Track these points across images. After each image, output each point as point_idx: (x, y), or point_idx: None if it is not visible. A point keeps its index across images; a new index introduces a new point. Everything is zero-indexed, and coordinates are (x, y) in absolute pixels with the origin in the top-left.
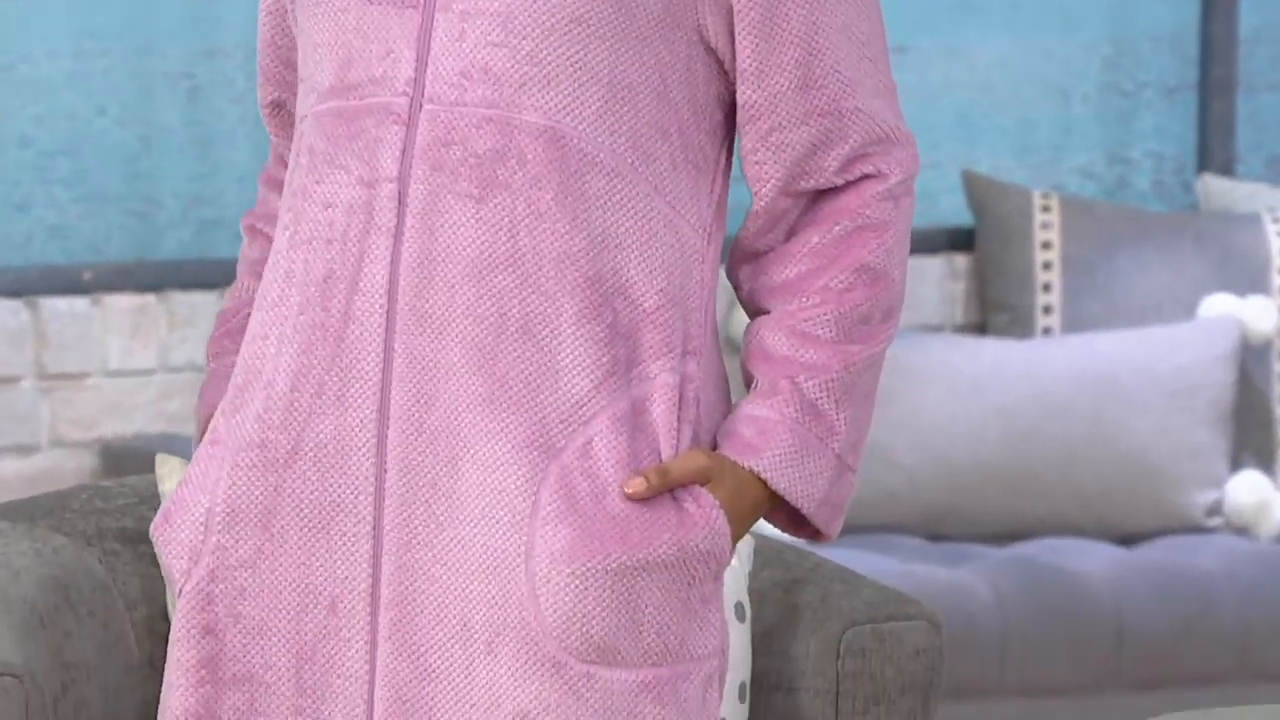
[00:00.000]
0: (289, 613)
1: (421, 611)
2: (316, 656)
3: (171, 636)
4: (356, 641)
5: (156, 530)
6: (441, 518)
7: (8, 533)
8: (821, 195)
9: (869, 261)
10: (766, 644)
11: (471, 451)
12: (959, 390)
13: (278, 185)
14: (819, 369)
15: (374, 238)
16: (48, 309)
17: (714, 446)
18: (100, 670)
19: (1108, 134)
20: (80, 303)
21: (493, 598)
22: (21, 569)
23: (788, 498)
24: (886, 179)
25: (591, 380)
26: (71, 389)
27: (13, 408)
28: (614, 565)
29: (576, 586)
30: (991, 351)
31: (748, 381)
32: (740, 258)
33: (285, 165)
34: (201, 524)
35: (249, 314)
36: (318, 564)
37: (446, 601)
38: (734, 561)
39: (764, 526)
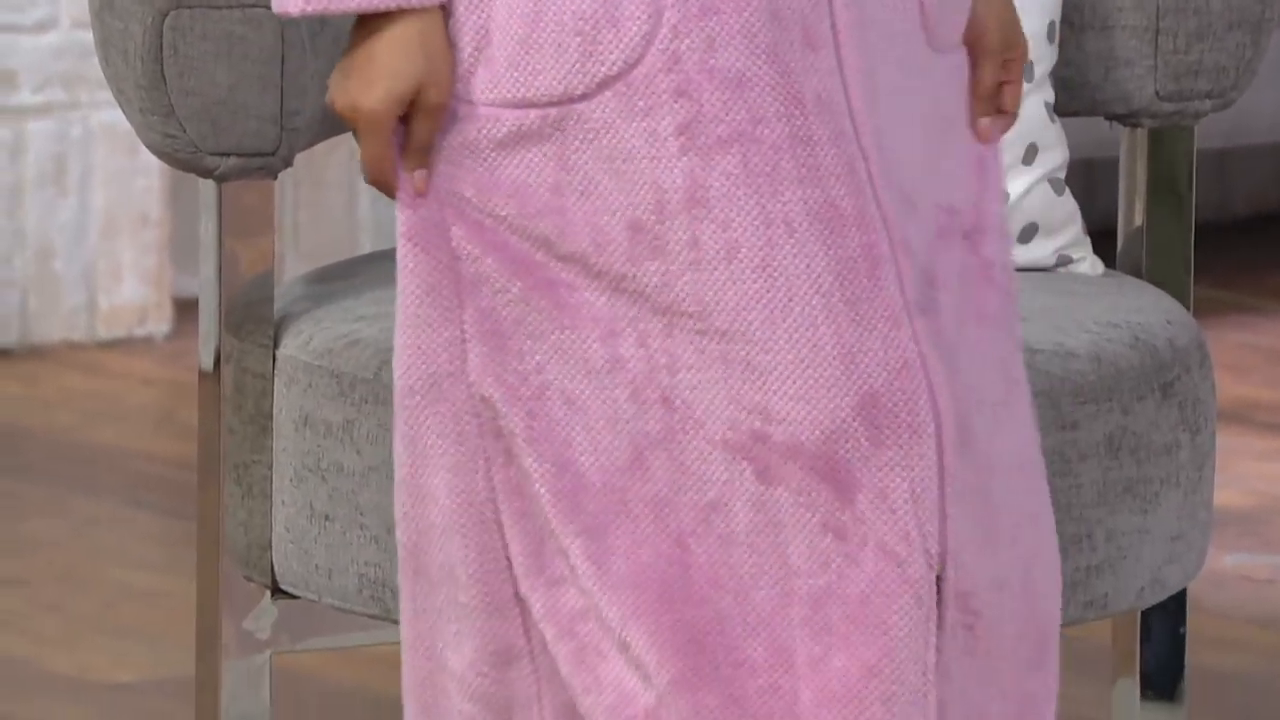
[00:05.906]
0: (765, 53)
1: (871, 27)
2: (804, 99)
3: (613, 107)
4: (835, 73)
5: None
6: None
7: None
8: None
9: None
10: None
11: None
12: None
13: None
14: None
15: None
16: None
17: None
18: None
19: None
20: None
21: None
22: None
23: None
24: None
25: None
26: None
27: None
28: None
29: None
30: None
31: None
32: None
33: None
34: None
35: None
36: None
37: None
38: None
39: None
